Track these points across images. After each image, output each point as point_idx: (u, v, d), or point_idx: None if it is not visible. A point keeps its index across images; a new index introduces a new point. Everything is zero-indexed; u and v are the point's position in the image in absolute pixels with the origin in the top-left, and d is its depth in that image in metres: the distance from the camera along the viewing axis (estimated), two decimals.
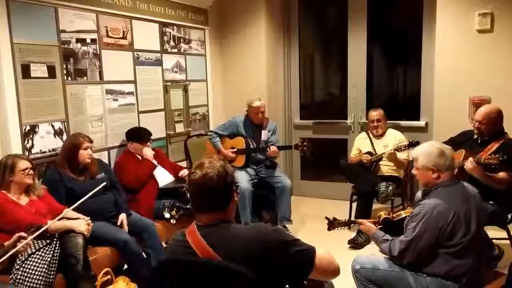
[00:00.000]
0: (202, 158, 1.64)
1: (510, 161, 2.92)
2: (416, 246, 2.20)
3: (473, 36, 4.07)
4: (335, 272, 1.69)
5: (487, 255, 3.14)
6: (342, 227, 2.69)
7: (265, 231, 1.57)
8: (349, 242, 3.79)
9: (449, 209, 2.17)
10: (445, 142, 3.51)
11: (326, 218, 2.64)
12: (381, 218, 2.56)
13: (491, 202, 3.12)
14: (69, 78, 3.38)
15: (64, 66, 3.33)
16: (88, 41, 3.52)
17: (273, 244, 1.54)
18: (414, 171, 2.42)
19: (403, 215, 2.50)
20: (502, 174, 3.02)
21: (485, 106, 3.33)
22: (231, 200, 1.63)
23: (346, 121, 5.17)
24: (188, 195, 1.63)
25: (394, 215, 2.57)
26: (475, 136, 3.32)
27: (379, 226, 2.52)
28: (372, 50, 5.06)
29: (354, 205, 4.16)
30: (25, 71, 3.04)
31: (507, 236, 3.23)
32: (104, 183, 2.96)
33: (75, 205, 2.63)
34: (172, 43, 4.45)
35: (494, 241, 3.26)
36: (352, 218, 3.81)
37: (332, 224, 2.63)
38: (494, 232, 3.25)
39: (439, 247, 2.19)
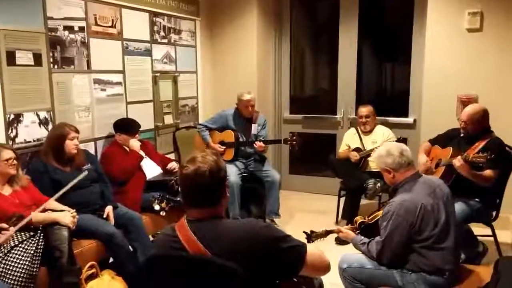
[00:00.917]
0: (194, 152, 1.61)
1: (497, 160, 2.95)
2: (391, 244, 2.24)
3: (462, 34, 4.10)
4: (326, 269, 1.68)
5: (471, 251, 3.20)
6: (321, 239, 2.68)
7: (257, 227, 1.56)
8: (336, 239, 3.80)
9: (416, 203, 2.21)
10: (433, 139, 3.59)
11: (304, 232, 2.64)
12: (358, 223, 2.59)
13: (476, 199, 3.15)
14: (56, 66, 3.30)
15: (51, 54, 3.25)
16: (76, 29, 3.44)
17: (264, 240, 1.52)
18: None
19: (378, 216, 2.52)
20: (488, 172, 3.05)
21: (470, 106, 3.33)
22: (222, 196, 1.61)
23: (336, 116, 5.18)
24: (179, 188, 1.60)
25: (369, 218, 2.60)
26: (462, 134, 3.35)
27: (357, 231, 2.55)
28: (363, 46, 5.06)
29: (342, 200, 4.17)
30: (10, 58, 2.96)
31: (491, 233, 3.27)
32: (86, 172, 2.91)
33: (58, 194, 2.58)
34: (162, 33, 4.38)
35: (478, 238, 3.30)
36: (337, 222, 3.84)
37: (310, 237, 2.63)
38: (479, 229, 3.29)
39: (413, 242, 2.23)
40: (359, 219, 2.61)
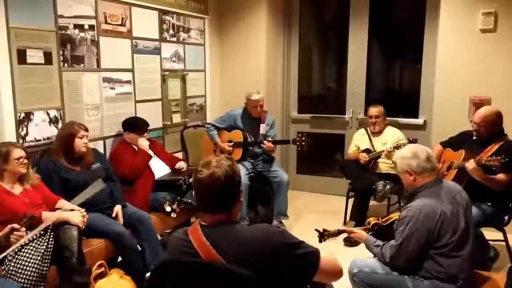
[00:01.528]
0: (208, 156, 1.60)
1: (510, 163, 2.90)
2: (406, 249, 2.19)
3: (476, 35, 4.04)
4: (338, 274, 1.67)
5: (481, 256, 3.16)
6: (333, 238, 2.66)
7: (270, 232, 1.54)
8: (345, 239, 3.78)
9: (436, 210, 2.17)
10: (445, 142, 3.55)
11: (316, 230, 2.62)
12: (371, 224, 2.56)
13: (489, 203, 3.12)
14: (66, 65, 3.30)
15: (61, 53, 3.25)
16: (86, 27, 3.43)
17: (278, 246, 1.51)
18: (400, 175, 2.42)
19: (393, 219, 2.49)
20: (501, 176, 3.01)
21: (484, 109, 3.29)
22: (236, 201, 1.59)
23: (344, 116, 5.14)
24: (192, 192, 1.58)
25: (383, 220, 2.57)
26: (475, 137, 3.30)
27: (370, 232, 2.51)
28: (373, 45, 5.02)
29: (350, 201, 4.14)
30: (21, 56, 2.96)
31: (503, 238, 3.23)
32: (104, 185, 2.91)
33: (76, 202, 2.60)
34: (171, 31, 4.37)
35: (490, 242, 3.26)
36: (345, 223, 3.80)
37: (322, 235, 2.60)
38: (490, 233, 3.25)
39: (430, 248, 2.19)
40: (372, 220, 2.57)
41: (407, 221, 2.19)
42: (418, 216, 2.17)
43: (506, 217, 3.21)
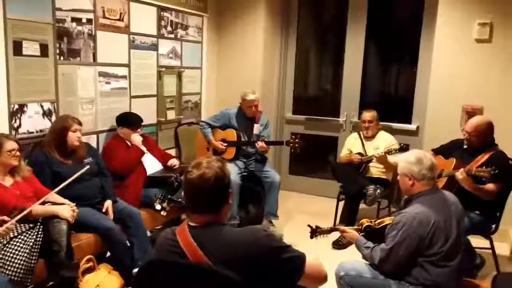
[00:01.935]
0: (199, 158, 1.61)
1: (500, 174, 2.94)
2: (396, 254, 2.21)
3: (471, 44, 4.07)
4: (323, 280, 1.68)
5: (468, 263, 3.19)
6: (325, 235, 2.69)
7: (258, 235, 1.55)
8: (334, 243, 3.81)
9: (429, 218, 2.18)
10: (436, 149, 3.58)
11: (309, 226, 2.64)
12: (364, 226, 2.57)
13: (477, 212, 3.16)
14: (62, 58, 3.29)
15: (57, 45, 3.24)
16: (84, 20, 3.42)
17: (265, 249, 1.52)
18: (398, 177, 2.43)
19: (386, 223, 2.51)
20: (490, 186, 3.05)
21: (476, 118, 3.33)
22: (225, 202, 1.61)
23: (339, 119, 5.17)
24: (182, 193, 1.59)
25: (376, 222, 2.59)
26: (465, 146, 3.34)
27: (361, 234, 2.53)
28: (370, 48, 5.04)
29: (341, 204, 4.17)
30: (17, 48, 2.95)
31: (489, 246, 3.27)
32: (87, 166, 2.91)
33: (59, 187, 2.58)
34: (169, 28, 4.36)
35: (476, 250, 3.30)
36: (335, 226, 3.83)
37: (315, 232, 2.63)
38: (477, 241, 3.29)
39: (419, 256, 2.21)
40: (365, 222, 2.58)
41: (400, 227, 2.20)
42: (412, 222, 2.18)
43: (494, 226, 3.25)
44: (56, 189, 2.58)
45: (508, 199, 3.26)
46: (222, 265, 1.46)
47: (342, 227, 2.63)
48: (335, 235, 3.85)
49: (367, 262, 2.40)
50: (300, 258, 1.59)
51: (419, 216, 2.19)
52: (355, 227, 2.61)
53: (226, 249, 1.51)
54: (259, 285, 1.50)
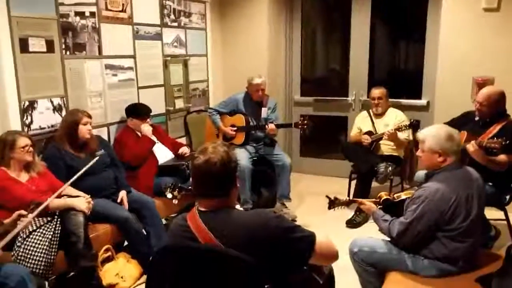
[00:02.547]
0: (206, 143, 1.63)
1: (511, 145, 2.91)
2: (415, 228, 2.20)
3: (479, 14, 3.99)
4: (334, 257, 1.71)
5: (484, 237, 3.19)
6: (343, 206, 2.70)
7: (267, 217, 1.58)
8: (347, 222, 3.83)
9: (451, 194, 2.16)
10: (447, 123, 3.51)
11: (327, 197, 2.65)
12: (382, 199, 2.56)
13: (490, 183, 3.13)
14: (68, 53, 3.32)
15: (63, 40, 3.27)
16: (87, 14, 3.44)
17: (274, 230, 1.54)
18: (419, 153, 2.38)
19: (404, 197, 2.51)
20: (502, 157, 3.02)
21: (487, 88, 3.30)
22: (233, 186, 1.63)
23: (347, 98, 5.13)
24: (190, 179, 1.62)
25: (395, 195, 2.58)
26: (477, 118, 3.30)
27: (379, 206, 2.52)
28: (376, 25, 4.97)
29: (353, 183, 4.17)
30: (23, 45, 2.98)
31: (504, 217, 3.25)
32: (98, 157, 2.95)
33: (72, 179, 2.63)
34: (172, 16, 4.36)
35: (491, 221, 3.29)
36: (352, 197, 3.83)
37: (333, 203, 2.64)
38: (491, 213, 3.27)
39: (438, 230, 2.20)
40: (384, 195, 2.57)
41: (421, 201, 2.19)
42: (433, 197, 2.17)
43: (508, 197, 3.23)
44: (70, 181, 2.63)
45: None
46: (233, 247, 1.49)
47: (361, 199, 2.61)
48: (349, 213, 3.89)
49: (381, 238, 2.42)
50: (310, 237, 1.61)
51: (441, 191, 2.17)
52: (373, 199, 2.59)
53: (236, 232, 1.54)
54: (271, 265, 1.53)
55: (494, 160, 3.02)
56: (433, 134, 2.31)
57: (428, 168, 2.37)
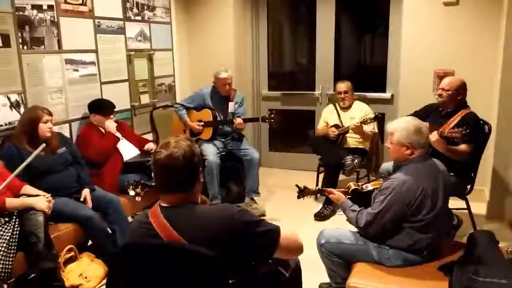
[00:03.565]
0: (168, 138, 1.59)
1: (471, 134, 2.99)
2: (382, 219, 2.24)
3: (439, 8, 4.09)
4: (298, 251, 1.71)
5: (448, 227, 3.27)
6: (312, 196, 2.73)
7: (230, 211, 1.56)
8: (315, 215, 3.86)
9: (418, 185, 2.20)
10: (410, 115, 3.60)
11: (297, 186, 2.66)
12: (351, 189, 2.59)
13: (452, 173, 3.20)
14: (25, 47, 3.19)
15: (19, 35, 3.13)
16: (45, 7, 3.31)
17: (238, 225, 1.53)
18: (388, 144, 2.41)
19: (371, 187, 2.54)
20: (463, 147, 3.11)
21: (450, 77, 3.43)
22: (196, 181, 1.60)
23: (314, 92, 5.17)
24: (152, 174, 1.58)
25: (363, 186, 2.61)
26: (440, 108, 3.38)
27: (348, 196, 2.55)
28: (341, 20, 5.01)
29: (321, 176, 4.21)
30: None
31: (465, 206, 3.35)
32: (43, 145, 2.82)
33: (17, 171, 2.53)
34: (135, 10, 4.26)
35: (453, 211, 3.38)
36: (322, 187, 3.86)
37: (303, 192, 2.65)
38: (453, 202, 3.35)
39: (404, 221, 2.24)
40: (352, 185, 2.60)
41: (389, 192, 2.22)
42: (400, 188, 2.20)
43: (469, 186, 3.33)
44: (15, 173, 2.52)
45: (481, 159, 3.33)
46: (196, 243, 1.46)
47: (330, 189, 2.62)
48: (318, 206, 3.93)
49: (347, 229, 2.44)
50: (274, 231, 1.60)
51: (408, 183, 2.20)
52: (342, 189, 2.61)
53: (199, 227, 1.51)
54: (235, 260, 1.51)
55: (455, 150, 3.10)
56: (401, 126, 2.33)
57: (396, 160, 2.40)
